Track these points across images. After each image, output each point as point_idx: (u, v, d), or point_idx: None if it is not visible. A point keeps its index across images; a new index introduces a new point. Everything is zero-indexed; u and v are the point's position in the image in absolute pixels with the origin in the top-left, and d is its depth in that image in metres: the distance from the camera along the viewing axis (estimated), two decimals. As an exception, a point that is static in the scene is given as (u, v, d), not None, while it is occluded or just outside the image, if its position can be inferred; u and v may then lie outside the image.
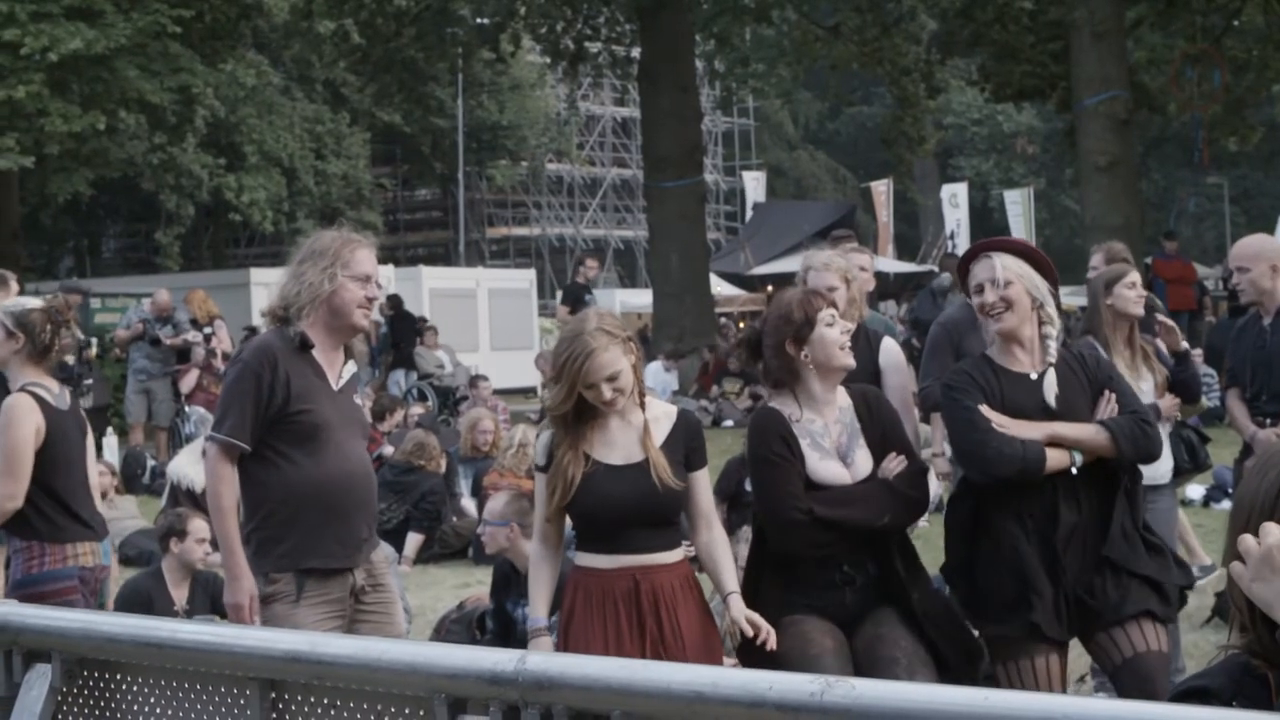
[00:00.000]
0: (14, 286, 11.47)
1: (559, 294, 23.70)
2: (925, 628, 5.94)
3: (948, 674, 5.84)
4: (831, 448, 5.99)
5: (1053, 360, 5.97)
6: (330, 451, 6.13)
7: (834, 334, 6.01)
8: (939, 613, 6.06)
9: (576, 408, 5.63)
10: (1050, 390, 5.93)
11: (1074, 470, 5.85)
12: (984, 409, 5.85)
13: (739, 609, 5.62)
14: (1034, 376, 5.97)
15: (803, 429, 5.98)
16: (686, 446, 5.73)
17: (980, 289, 5.92)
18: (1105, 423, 5.88)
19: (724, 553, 5.78)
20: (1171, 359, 8.34)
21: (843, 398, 6.13)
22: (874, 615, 5.95)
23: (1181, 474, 8.73)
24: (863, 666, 5.80)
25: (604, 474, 5.60)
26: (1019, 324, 5.94)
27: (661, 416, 5.77)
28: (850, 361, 6.07)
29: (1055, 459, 5.82)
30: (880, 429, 6.08)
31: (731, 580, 5.72)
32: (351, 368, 6.41)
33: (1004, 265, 5.91)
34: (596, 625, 5.60)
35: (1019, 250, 6.04)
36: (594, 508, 5.60)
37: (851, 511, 5.86)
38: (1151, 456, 6.10)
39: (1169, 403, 8.13)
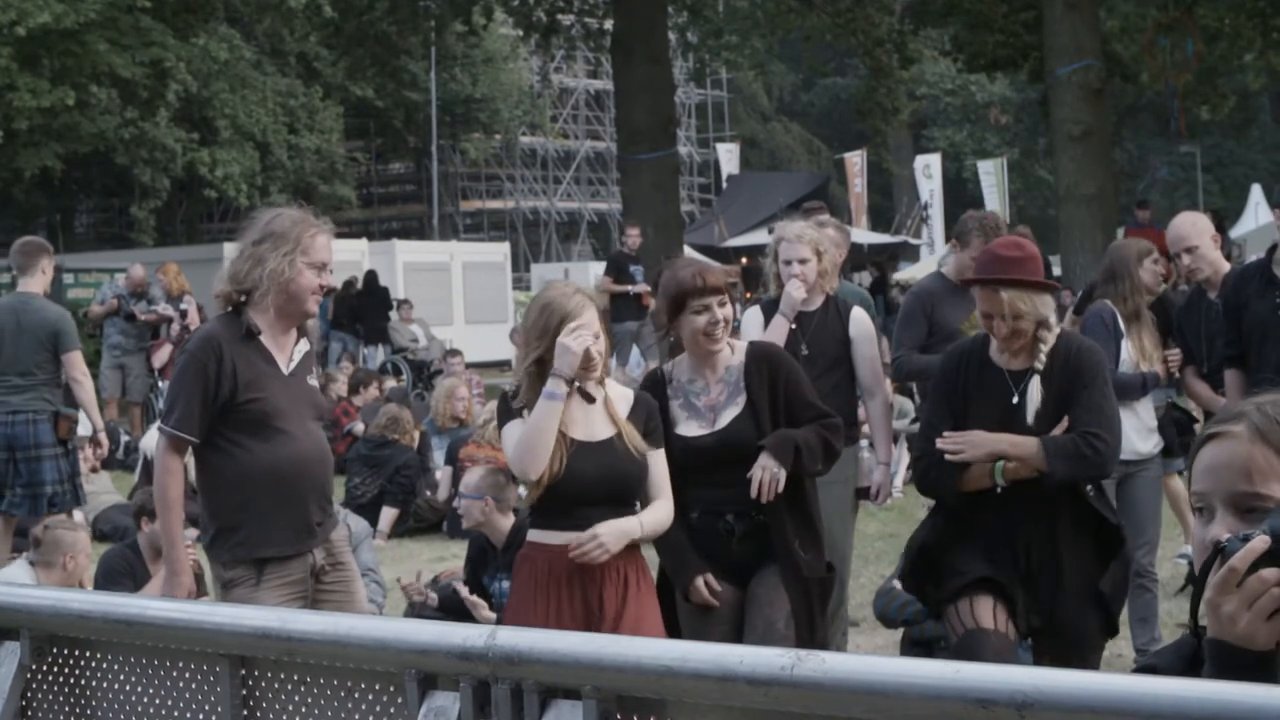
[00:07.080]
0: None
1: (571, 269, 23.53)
2: (808, 589, 6.06)
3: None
4: (704, 406, 6.14)
5: (1040, 367, 5.93)
6: (282, 438, 6.11)
7: (699, 323, 6.11)
8: (822, 575, 6.17)
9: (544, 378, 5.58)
10: (1033, 404, 5.90)
11: (998, 489, 5.83)
12: (942, 439, 5.84)
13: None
14: (1012, 394, 5.92)
15: (680, 389, 6.18)
16: (645, 427, 5.72)
17: (989, 317, 5.90)
18: (1044, 441, 5.83)
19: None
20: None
21: (735, 357, 6.22)
22: (761, 573, 6.08)
23: (1173, 455, 8.78)
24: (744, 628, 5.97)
25: (576, 451, 5.58)
26: (1025, 342, 5.94)
27: (619, 398, 5.77)
28: (714, 348, 6.15)
29: (974, 479, 5.83)
30: (774, 389, 6.14)
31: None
32: (304, 347, 6.34)
33: (1010, 301, 5.82)
34: (539, 603, 5.57)
35: (1025, 283, 5.88)
36: (563, 481, 5.54)
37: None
38: (1097, 476, 6.08)
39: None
